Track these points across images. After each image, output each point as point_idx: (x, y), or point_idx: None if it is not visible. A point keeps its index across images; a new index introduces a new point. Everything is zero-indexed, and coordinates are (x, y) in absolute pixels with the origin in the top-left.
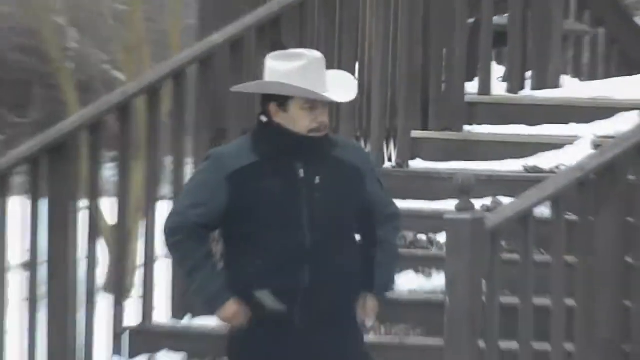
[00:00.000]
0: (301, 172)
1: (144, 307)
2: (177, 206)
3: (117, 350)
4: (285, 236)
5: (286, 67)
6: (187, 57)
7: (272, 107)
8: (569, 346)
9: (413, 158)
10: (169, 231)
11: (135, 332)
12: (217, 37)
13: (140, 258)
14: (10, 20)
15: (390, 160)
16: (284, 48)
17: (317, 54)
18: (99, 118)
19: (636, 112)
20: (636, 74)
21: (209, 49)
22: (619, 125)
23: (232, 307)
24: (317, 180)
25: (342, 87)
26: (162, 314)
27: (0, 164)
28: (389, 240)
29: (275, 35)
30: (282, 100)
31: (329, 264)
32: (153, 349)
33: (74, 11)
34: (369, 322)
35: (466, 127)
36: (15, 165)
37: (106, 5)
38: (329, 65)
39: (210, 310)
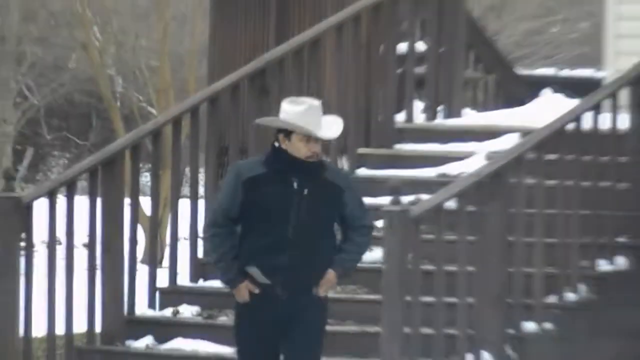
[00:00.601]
0: (295, 185)
1: (170, 274)
2: (214, 207)
3: (151, 304)
4: (274, 228)
5: (293, 109)
6: (200, 97)
7: (281, 137)
8: (470, 299)
9: (359, 167)
10: (206, 226)
11: (163, 292)
12: (221, 83)
13: (167, 239)
14: (76, 71)
15: (345, 169)
16: (268, 92)
17: (315, 102)
18: (138, 141)
19: (516, 134)
20: (516, 107)
21: (215, 92)
22: (504, 143)
23: (240, 288)
24: (306, 191)
25: (331, 127)
26: (183, 279)
27: (68, 173)
28: (355, 239)
29: (262, 82)
30: (287, 133)
31: (304, 253)
32: (176, 303)
33: (120, 65)
34: (322, 293)
35: (396, 146)
36: (80, 174)
37: (143, 61)
38: None
39: (227, 287)
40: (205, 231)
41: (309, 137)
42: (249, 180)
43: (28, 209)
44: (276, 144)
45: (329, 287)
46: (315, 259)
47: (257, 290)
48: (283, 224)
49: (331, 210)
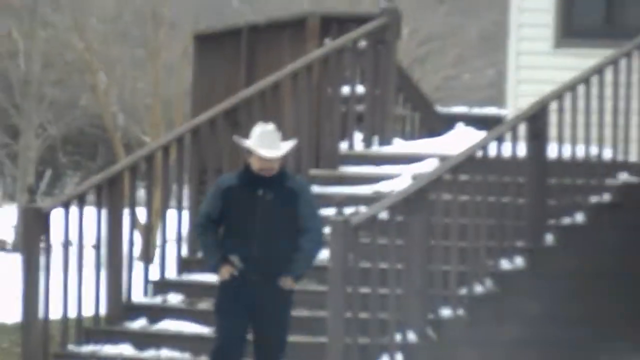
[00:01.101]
0: (260, 192)
1: (160, 269)
2: (200, 212)
3: (145, 293)
4: (245, 227)
5: (253, 133)
6: (185, 129)
7: (247, 154)
8: (398, 291)
9: (311, 185)
10: (195, 226)
11: (155, 283)
12: (201, 118)
13: (158, 241)
14: (86, 108)
15: None
16: (239, 125)
17: (269, 127)
18: (135, 163)
19: (436, 159)
20: (435, 138)
21: (197, 125)
22: (426, 167)
23: (222, 271)
24: (268, 197)
25: (277, 148)
26: (171, 273)
27: (79, 189)
28: (304, 247)
29: (234, 117)
30: (250, 152)
31: (268, 246)
32: (165, 293)
33: (121, 103)
34: (285, 286)
35: (340, 168)
36: (89, 189)
37: (140, 100)
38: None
39: (213, 271)
40: (194, 230)
41: (263, 158)
42: (226, 189)
43: (47, 217)
44: (246, 161)
45: (289, 285)
46: (277, 250)
47: (236, 273)
48: (251, 223)
49: (288, 211)
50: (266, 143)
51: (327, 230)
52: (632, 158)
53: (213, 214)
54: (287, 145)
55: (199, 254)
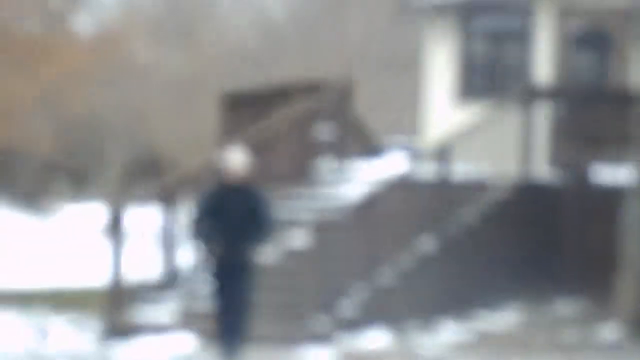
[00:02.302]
0: (230, 195)
1: None
2: (193, 214)
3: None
4: (223, 224)
5: (228, 154)
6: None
7: (224, 169)
8: None
9: (295, 197)
10: (190, 225)
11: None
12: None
13: None
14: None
15: (286, 199)
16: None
17: (239, 149)
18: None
19: (378, 180)
20: (377, 162)
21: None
22: (372, 185)
23: (215, 251)
24: (237, 201)
25: (244, 162)
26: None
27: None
28: (255, 237)
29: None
30: (226, 168)
31: (238, 238)
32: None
33: (172, 142)
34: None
35: (313, 187)
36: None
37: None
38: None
39: (209, 252)
40: (190, 226)
41: (229, 169)
42: (208, 196)
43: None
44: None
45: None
46: (245, 238)
47: (219, 253)
48: (227, 221)
49: (251, 211)
50: (234, 158)
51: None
52: (505, 180)
53: (202, 214)
54: (242, 160)
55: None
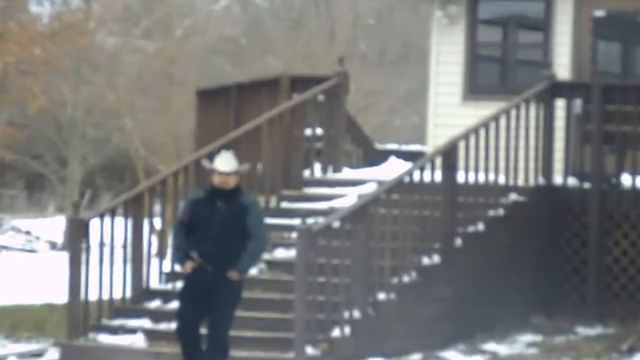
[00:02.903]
0: (218, 204)
1: (171, 263)
2: (175, 219)
3: (160, 281)
4: (206, 231)
5: (216, 157)
6: (190, 160)
7: (210, 174)
8: (346, 280)
9: (282, 201)
10: (173, 229)
11: (167, 274)
12: (202, 152)
13: (169, 242)
14: (117, 144)
15: (274, 203)
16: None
17: (228, 152)
18: (153, 185)
19: (374, 183)
20: (374, 167)
21: (198, 156)
22: (367, 189)
23: (186, 264)
24: (224, 209)
25: (229, 165)
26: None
27: (112, 204)
28: (248, 248)
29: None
30: (212, 172)
31: (220, 246)
32: (174, 281)
33: (143, 140)
34: (233, 278)
35: (304, 189)
36: (118, 205)
37: (157, 138)
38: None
39: (179, 265)
40: (173, 231)
41: (220, 173)
42: (194, 201)
43: (87, 224)
44: (210, 180)
45: (236, 277)
46: (228, 250)
47: (194, 266)
48: (210, 228)
49: (239, 221)
50: (223, 162)
51: (293, 234)
52: (519, 182)
53: (184, 220)
54: (238, 165)
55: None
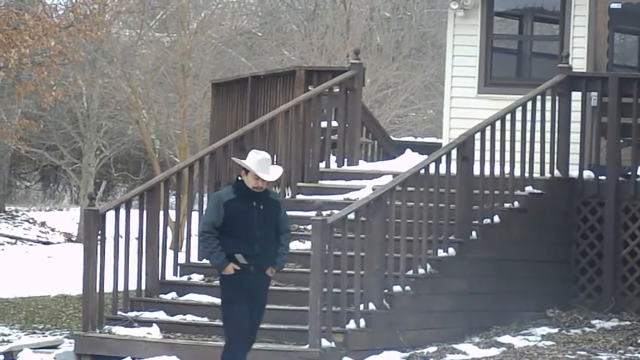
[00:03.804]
0: (254, 204)
1: (186, 255)
2: (204, 219)
3: (175, 273)
4: (246, 232)
5: (253, 157)
6: (204, 152)
7: (243, 172)
8: (362, 272)
9: (298, 194)
10: (200, 234)
11: (182, 265)
12: (217, 144)
13: (185, 234)
14: (132, 136)
15: (289, 195)
16: (245, 149)
17: (267, 156)
18: (168, 177)
19: (390, 175)
20: (389, 160)
21: (213, 149)
22: (383, 181)
23: (228, 267)
24: (261, 207)
25: (273, 173)
26: (194, 258)
27: (127, 196)
28: (283, 244)
29: (241, 144)
30: (246, 171)
31: (264, 245)
32: (190, 273)
33: (158, 133)
34: (270, 274)
35: (320, 181)
36: (134, 196)
37: (171, 130)
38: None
39: (218, 269)
40: (200, 235)
41: (257, 176)
42: (227, 202)
43: (103, 216)
44: (239, 178)
45: (273, 274)
46: (269, 249)
47: (238, 268)
48: (251, 228)
49: (274, 218)
50: (264, 168)
51: (309, 227)
52: (535, 175)
53: (217, 222)
54: (279, 172)
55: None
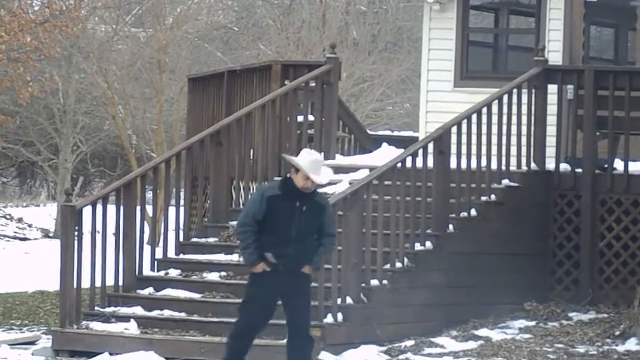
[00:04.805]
0: (297, 204)
1: (163, 250)
2: (244, 211)
3: (152, 268)
4: (283, 230)
5: (305, 157)
6: (181, 148)
7: (292, 170)
8: (339, 266)
9: None
10: (240, 224)
11: (159, 261)
12: (193, 139)
13: (162, 230)
14: (108, 132)
15: None
16: (221, 144)
17: (320, 157)
18: (145, 172)
19: (367, 169)
20: (366, 154)
21: (190, 144)
22: (359, 175)
23: (258, 266)
24: (304, 208)
25: (325, 175)
26: (171, 253)
27: (103, 191)
28: (325, 244)
29: (217, 138)
30: (297, 170)
31: (300, 246)
32: (167, 268)
33: (134, 128)
34: (308, 272)
35: None
36: (110, 192)
37: (148, 126)
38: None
39: (249, 265)
40: (238, 227)
41: (307, 177)
42: (270, 197)
43: (79, 212)
44: (288, 175)
45: (309, 271)
46: (306, 250)
47: (268, 268)
48: (289, 227)
49: (316, 221)
50: (316, 169)
51: None
52: (512, 168)
53: (258, 215)
54: (330, 175)
55: (197, 238)
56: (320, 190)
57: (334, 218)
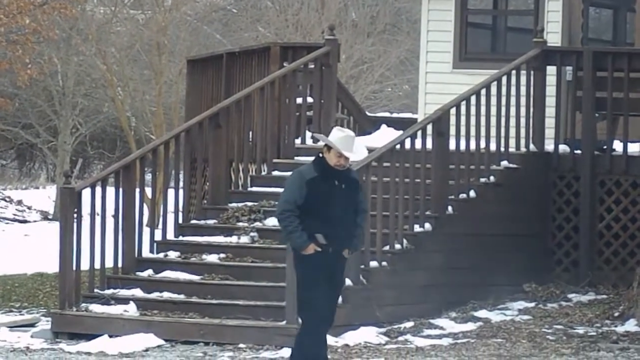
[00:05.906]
0: (336, 182)
1: (162, 232)
2: (285, 196)
3: (151, 250)
4: (327, 211)
5: (337, 134)
6: (180, 130)
7: (325, 149)
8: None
9: (274, 170)
10: (282, 209)
11: (158, 243)
12: (193, 121)
13: (161, 212)
14: (108, 114)
15: (265, 171)
16: (220, 126)
17: (352, 134)
18: (144, 154)
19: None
20: (365, 135)
21: (189, 126)
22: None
23: (309, 247)
24: (343, 186)
25: (358, 152)
26: (170, 235)
27: (103, 173)
28: (361, 224)
29: (216, 120)
30: (329, 148)
31: (344, 225)
32: (166, 250)
33: (134, 110)
34: (347, 256)
35: (295, 157)
36: (110, 174)
37: (147, 107)
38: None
39: (299, 250)
40: (281, 213)
41: (341, 154)
42: (310, 180)
43: (79, 194)
44: (320, 155)
45: (348, 254)
46: (349, 228)
47: (319, 249)
48: (332, 207)
49: (355, 197)
50: (348, 146)
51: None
52: (511, 149)
53: (299, 200)
54: (364, 152)
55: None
56: None
57: (364, 191)
